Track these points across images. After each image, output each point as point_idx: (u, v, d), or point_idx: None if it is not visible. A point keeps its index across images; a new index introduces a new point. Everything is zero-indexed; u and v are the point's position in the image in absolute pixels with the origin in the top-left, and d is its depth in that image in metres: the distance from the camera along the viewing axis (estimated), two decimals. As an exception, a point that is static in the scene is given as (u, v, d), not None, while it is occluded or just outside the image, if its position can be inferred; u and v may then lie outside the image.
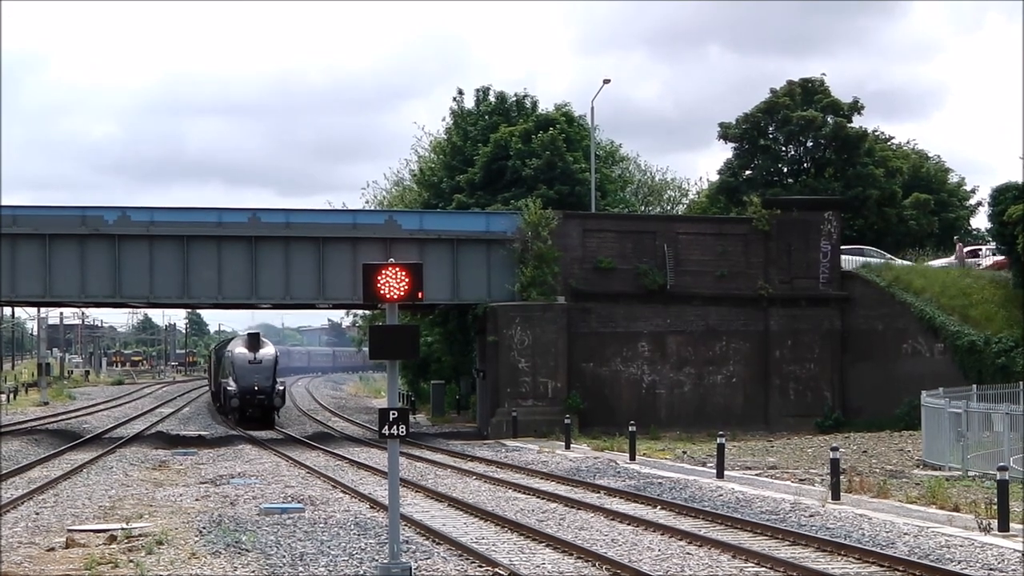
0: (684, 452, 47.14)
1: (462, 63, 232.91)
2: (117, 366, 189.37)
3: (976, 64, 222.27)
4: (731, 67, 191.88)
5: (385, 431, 16.27)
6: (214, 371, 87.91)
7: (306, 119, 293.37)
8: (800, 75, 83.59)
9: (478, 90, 79.58)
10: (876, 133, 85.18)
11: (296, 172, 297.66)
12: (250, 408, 70.28)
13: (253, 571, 21.20)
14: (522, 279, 57.97)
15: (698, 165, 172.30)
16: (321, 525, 27.08)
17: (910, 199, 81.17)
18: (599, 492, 34.00)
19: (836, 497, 30.62)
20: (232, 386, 71.16)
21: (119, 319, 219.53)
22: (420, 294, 15.68)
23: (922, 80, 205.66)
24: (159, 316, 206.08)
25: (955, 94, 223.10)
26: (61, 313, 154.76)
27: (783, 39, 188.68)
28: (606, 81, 71.43)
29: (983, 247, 70.51)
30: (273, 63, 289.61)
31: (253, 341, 73.41)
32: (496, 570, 21.19)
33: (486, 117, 77.71)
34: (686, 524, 27.11)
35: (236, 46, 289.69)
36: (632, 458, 43.51)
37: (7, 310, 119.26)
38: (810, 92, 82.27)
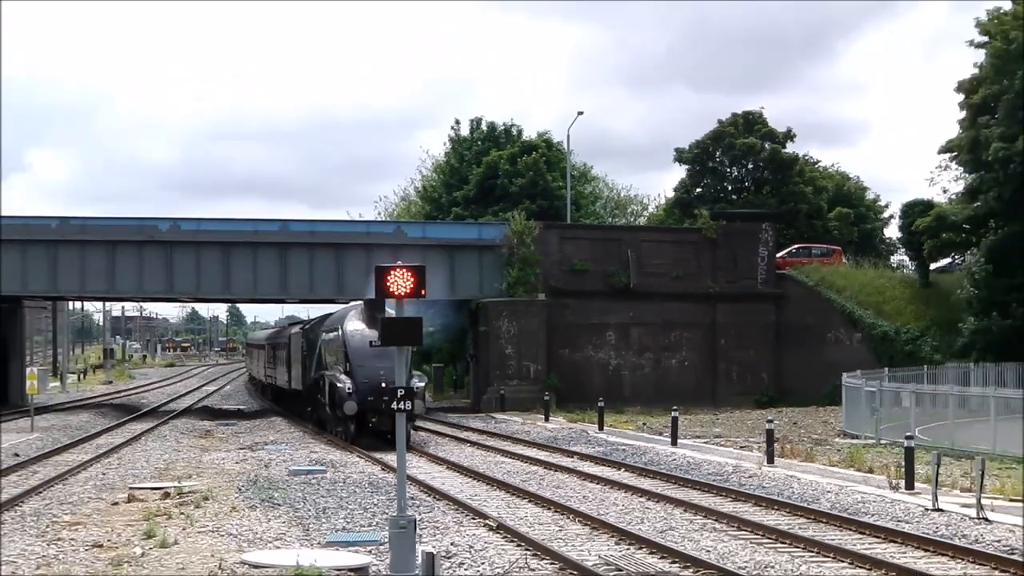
0: (644, 424, 47.26)
1: (469, 99, 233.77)
2: (169, 351, 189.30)
3: (897, 100, 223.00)
4: (692, 103, 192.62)
5: (394, 406, 16.34)
6: (303, 359, 49.90)
7: (334, 145, 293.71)
8: (749, 109, 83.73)
9: (472, 120, 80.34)
10: (806, 157, 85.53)
11: (324, 189, 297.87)
12: (375, 416, 37.34)
13: (284, 522, 21.24)
14: (509, 279, 58.01)
15: (664, 183, 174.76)
16: (340, 484, 27.12)
17: (834, 213, 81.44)
18: (573, 457, 34.02)
19: (771, 461, 30.73)
20: (344, 382, 37.96)
21: (171, 311, 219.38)
22: (423, 291, 15.70)
23: (853, 114, 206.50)
24: (204, 309, 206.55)
25: (879, 125, 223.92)
26: (123, 307, 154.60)
27: (736, 79, 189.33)
28: (579, 113, 72.10)
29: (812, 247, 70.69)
30: (307, 99, 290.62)
31: (377, 313, 33.87)
32: (487, 521, 21.25)
33: (479, 143, 78.02)
34: (646, 483, 27.21)
35: (277, 84, 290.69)
36: (601, 428, 43.60)
37: (77, 304, 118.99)
38: (751, 123, 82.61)
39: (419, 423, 43.04)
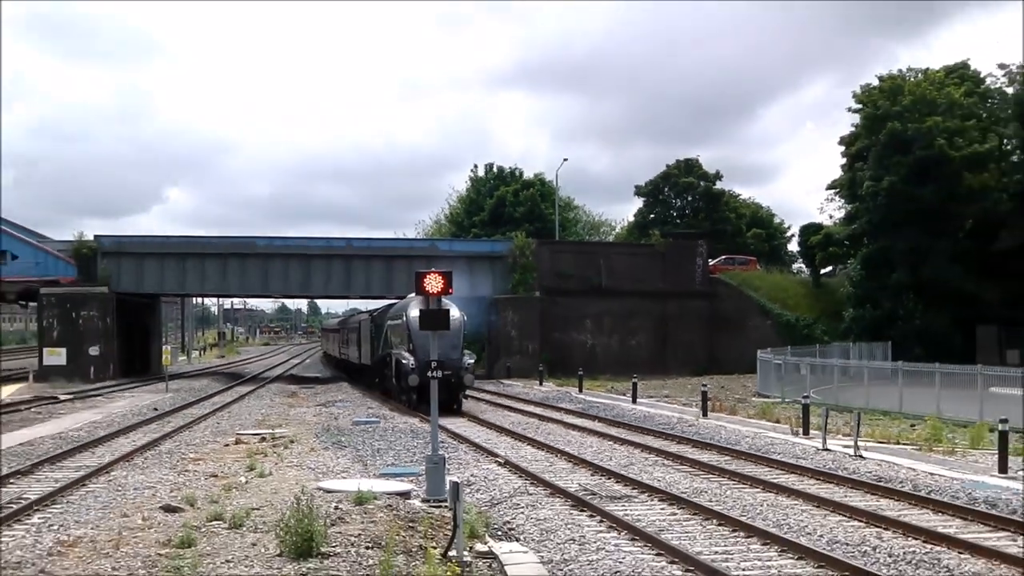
0: (612, 388, 47.17)
1: (485, 149, 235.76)
2: (265, 334, 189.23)
3: (798, 150, 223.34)
4: (648, 152, 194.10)
5: (429, 373, 16.36)
6: (371, 340, 45.91)
7: (386, 182, 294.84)
8: (688, 156, 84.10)
9: (486, 165, 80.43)
10: (731, 192, 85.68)
11: (378, 215, 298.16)
12: None
13: (348, 459, 21.23)
14: (513, 281, 57.93)
15: (626, 211, 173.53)
16: (390, 431, 27.03)
17: (751, 232, 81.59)
18: (560, 412, 33.99)
19: (705, 415, 30.75)
20: (408, 359, 34.43)
21: (266, 305, 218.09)
22: (450, 290, 15.73)
23: (766, 160, 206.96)
24: (291, 303, 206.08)
25: (785, 168, 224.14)
26: (231, 301, 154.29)
27: (680, 135, 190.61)
28: (565, 159, 74.13)
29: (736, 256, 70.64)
30: (367, 148, 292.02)
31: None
32: (497, 459, 21.25)
33: (491, 181, 77.94)
34: (613, 431, 27.14)
35: (345, 137, 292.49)
36: (580, 391, 43.54)
37: (199, 299, 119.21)
38: (690, 167, 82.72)
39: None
